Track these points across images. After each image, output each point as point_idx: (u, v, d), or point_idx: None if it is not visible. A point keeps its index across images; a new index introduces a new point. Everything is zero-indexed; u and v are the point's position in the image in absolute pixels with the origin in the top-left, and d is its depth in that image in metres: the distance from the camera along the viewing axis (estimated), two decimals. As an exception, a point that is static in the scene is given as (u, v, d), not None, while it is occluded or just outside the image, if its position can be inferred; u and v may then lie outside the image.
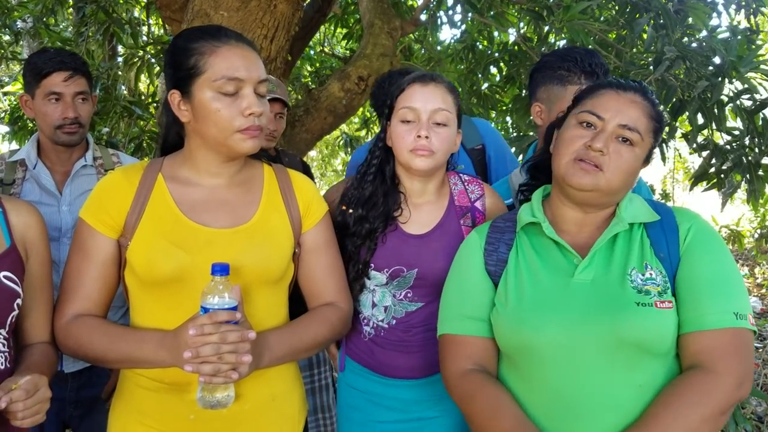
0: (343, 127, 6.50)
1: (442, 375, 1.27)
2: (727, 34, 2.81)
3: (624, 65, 2.95)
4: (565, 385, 1.10)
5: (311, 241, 1.36)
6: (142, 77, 4.12)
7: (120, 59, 4.21)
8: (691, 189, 3.13)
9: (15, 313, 1.18)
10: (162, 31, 4.62)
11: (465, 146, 1.99)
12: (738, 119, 2.77)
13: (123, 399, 1.29)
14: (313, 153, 9.75)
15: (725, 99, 2.67)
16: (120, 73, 3.87)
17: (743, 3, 3.31)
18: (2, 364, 1.16)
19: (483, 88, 4.46)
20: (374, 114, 3.87)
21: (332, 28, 5.40)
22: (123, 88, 4.13)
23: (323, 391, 2.33)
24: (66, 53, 1.85)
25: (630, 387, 1.08)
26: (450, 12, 4.37)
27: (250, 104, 1.19)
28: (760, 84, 2.72)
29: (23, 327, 1.25)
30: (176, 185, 1.27)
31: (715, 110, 2.62)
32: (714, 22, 3.24)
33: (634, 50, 3.17)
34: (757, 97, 2.69)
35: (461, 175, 1.61)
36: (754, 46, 2.98)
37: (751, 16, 3.31)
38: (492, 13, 3.94)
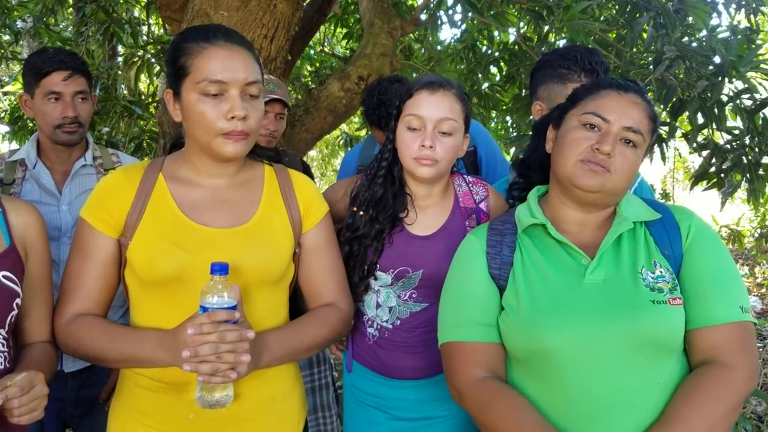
0: (343, 126, 6.50)
1: (452, 384, 1.22)
2: (727, 34, 2.81)
3: (624, 65, 2.95)
4: (587, 387, 1.09)
5: (311, 241, 1.36)
6: (142, 77, 4.13)
7: (120, 59, 4.22)
8: (691, 188, 3.13)
9: (14, 312, 1.18)
10: (162, 30, 4.62)
11: None
12: (738, 119, 2.77)
13: (122, 398, 1.29)
14: (313, 153, 9.76)
15: (725, 98, 2.68)
16: (120, 72, 3.88)
17: (743, 2, 3.30)
18: (2, 364, 1.16)
19: (483, 87, 4.46)
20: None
21: (332, 27, 5.40)
22: (123, 87, 4.14)
23: (323, 390, 2.33)
24: (65, 53, 1.85)
25: (650, 385, 1.08)
26: (450, 11, 4.37)
27: (232, 107, 1.17)
28: (760, 83, 2.73)
29: (23, 327, 1.25)
30: (177, 185, 1.27)
31: (715, 110, 2.63)
32: (714, 21, 3.24)
33: (634, 50, 3.17)
34: (757, 96, 2.69)
35: (465, 176, 1.61)
36: (754, 46, 2.98)
37: (751, 16, 3.30)
38: (492, 12, 3.94)
